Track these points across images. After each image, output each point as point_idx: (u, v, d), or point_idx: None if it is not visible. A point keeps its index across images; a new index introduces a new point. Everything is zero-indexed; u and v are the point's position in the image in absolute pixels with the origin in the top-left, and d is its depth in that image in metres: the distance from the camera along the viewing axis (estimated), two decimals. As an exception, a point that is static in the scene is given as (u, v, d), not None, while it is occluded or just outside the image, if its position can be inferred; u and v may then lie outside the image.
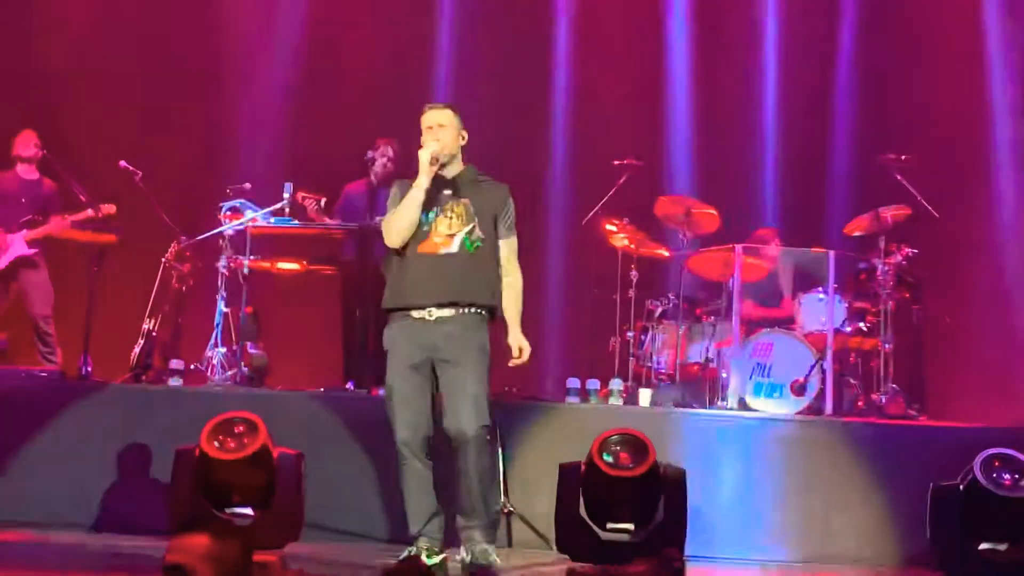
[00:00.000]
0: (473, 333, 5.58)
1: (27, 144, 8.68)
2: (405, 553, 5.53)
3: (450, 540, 5.65)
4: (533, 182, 10.05)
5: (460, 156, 5.76)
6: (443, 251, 5.59)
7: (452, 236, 5.61)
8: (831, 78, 10.04)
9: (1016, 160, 9.56)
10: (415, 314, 5.57)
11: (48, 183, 8.74)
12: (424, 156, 5.61)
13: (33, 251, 8.55)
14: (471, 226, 5.63)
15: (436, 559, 5.48)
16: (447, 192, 5.66)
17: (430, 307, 5.56)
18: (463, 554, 5.55)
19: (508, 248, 5.74)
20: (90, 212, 8.52)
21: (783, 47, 10.20)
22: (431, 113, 5.75)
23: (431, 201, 5.61)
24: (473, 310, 5.61)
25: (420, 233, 5.61)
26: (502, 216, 5.72)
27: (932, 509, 5.20)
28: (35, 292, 8.59)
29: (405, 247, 5.62)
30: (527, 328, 9.72)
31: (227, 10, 10.39)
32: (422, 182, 5.60)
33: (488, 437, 5.53)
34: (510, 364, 5.71)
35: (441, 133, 5.69)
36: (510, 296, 5.75)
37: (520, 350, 5.68)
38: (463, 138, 5.77)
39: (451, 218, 5.63)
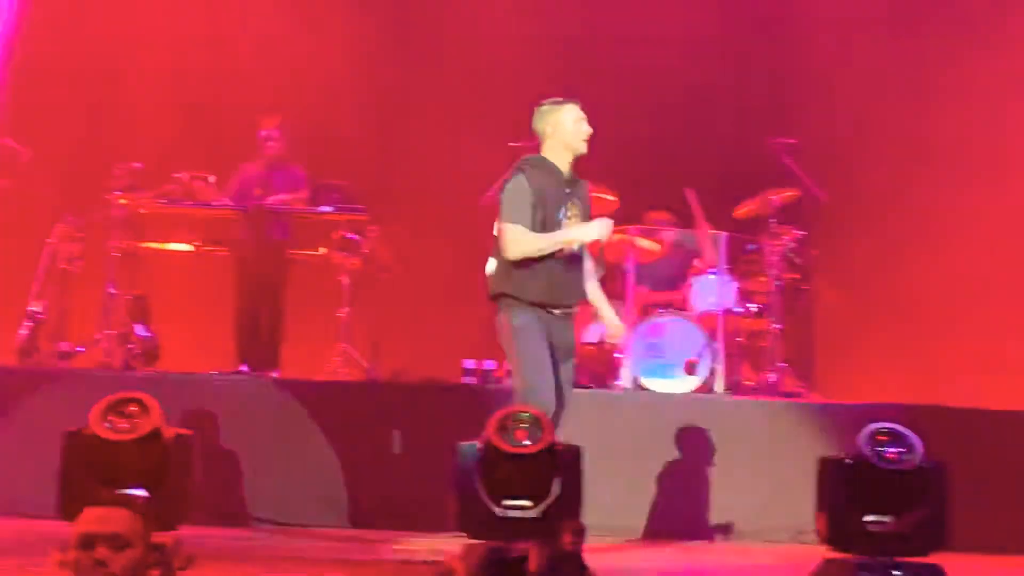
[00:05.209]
0: (573, 332, 5.98)
1: None
2: None
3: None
4: (423, 164, 10.00)
5: None
6: (568, 251, 5.79)
7: None
8: (720, 63, 10.11)
9: (902, 138, 9.74)
10: (555, 310, 5.81)
11: None
12: (601, 232, 5.80)
13: None
14: None
15: None
16: (567, 191, 5.85)
17: (568, 307, 5.86)
18: None
19: None
20: None
21: (674, 31, 10.23)
22: (580, 109, 5.92)
23: (561, 197, 5.80)
24: (576, 308, 5.95)
25: (554, 228, 5.76)
26: (588, 213, 5.98)
27: (820, 482, 5.29)
28: None
29: None
30: (420, 308, 9.67)
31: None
32: (574, 240, 5.76)
33: None
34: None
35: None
36: (598, 284, 6.11)
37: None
38: None
39: (571, 219, 5.83)
